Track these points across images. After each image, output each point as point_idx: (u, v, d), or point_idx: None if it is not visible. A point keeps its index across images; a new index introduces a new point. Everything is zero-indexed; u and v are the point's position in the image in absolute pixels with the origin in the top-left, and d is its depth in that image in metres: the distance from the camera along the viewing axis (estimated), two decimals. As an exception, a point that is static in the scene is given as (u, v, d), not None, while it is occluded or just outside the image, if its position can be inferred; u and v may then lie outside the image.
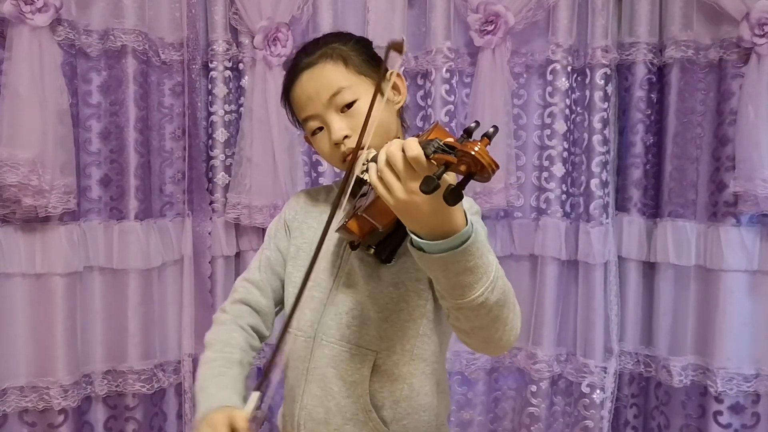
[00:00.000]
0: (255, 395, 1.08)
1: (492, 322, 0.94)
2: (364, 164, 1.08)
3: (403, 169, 0.83)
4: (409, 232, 0.90)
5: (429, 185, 0.78)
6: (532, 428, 2.12)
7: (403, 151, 0.83)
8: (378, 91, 1.10)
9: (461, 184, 0.77)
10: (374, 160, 1.05)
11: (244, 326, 1.25)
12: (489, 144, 0.78)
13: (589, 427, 2.07)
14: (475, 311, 0.91)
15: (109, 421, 1.97)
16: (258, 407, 1.08)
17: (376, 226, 1.00)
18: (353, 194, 1.11)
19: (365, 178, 1.06)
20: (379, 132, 1.12)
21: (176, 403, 2.07)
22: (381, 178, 0.86)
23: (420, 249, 0.88)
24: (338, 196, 1.07)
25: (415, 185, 0.82)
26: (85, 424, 1.94)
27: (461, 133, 0.84)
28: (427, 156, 0.82)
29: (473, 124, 0.86)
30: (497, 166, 0.77)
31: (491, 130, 0.81)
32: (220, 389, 1.14)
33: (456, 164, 0.78)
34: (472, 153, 0.76)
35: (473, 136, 0.83)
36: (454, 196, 0.77)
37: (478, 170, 0.77)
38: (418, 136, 1.04)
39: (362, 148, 1.09)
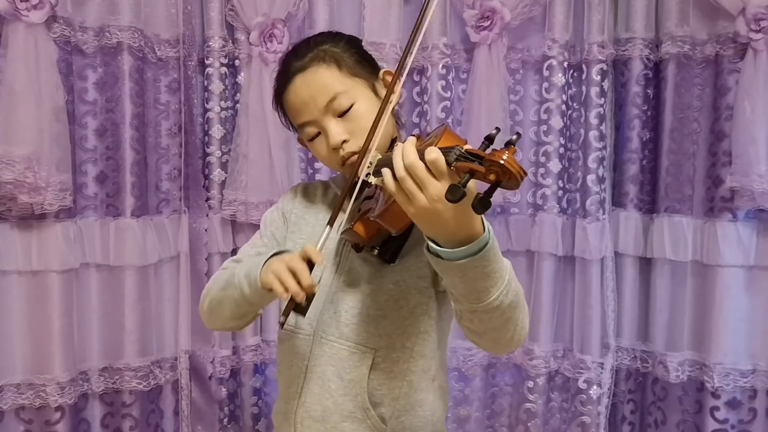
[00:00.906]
0: (327, 229, 1.04)
1: (505, 323, 0.95)
2: (368, 167, 1.07)
3: (424, 175, 0.83)
4: (426, 238, 0.90)
5: (455, 194, 0.77)
6: (528, 424, 2.12)
7: (422, 156, 0.83)
8: (385, 103, 1.08)
9: (489, 193, 0.77)
10: (379, 164, 1.05)
11: None
12: (515, 152, 0.77)
13: (586, 423, 2.07)
14: (490, 314, 0.92)
15: (105, 418, 1.97)
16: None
17: (389, 231, 1.00)
18: (356, 197, 1.10)
19: (371, 181, 1.05)
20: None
21: (173, 400, 2.07)
22: (401, 187, 0.86)
23: (437, 255, 0.88)
24: (341, 201, 1.07)
25: (437, 192, 0.82)
26: (81, 421, 1.94)
27: (482, 140, 0.83)
28: (449, 164, 0.81)
29: (495, 131, 0.85)
30: (525, 174, 0.77)
31: (515, 137, 0.80)
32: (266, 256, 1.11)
33: (484, 173, 0.78)
34: (501, 162, 0.75)
35: (494, 143, 0.82)
36: (483, 204, 0.77)
37: (507, 179, 0.76)
38: (419, 137, 1.04)
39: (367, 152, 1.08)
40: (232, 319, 1.18)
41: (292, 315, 1.12)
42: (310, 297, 0.97)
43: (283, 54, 1.93)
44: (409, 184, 0.85)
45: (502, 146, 0.78)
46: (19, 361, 1.84)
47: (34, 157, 1.73)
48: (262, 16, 1.95)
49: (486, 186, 0.79)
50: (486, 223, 0.88)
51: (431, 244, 0.89)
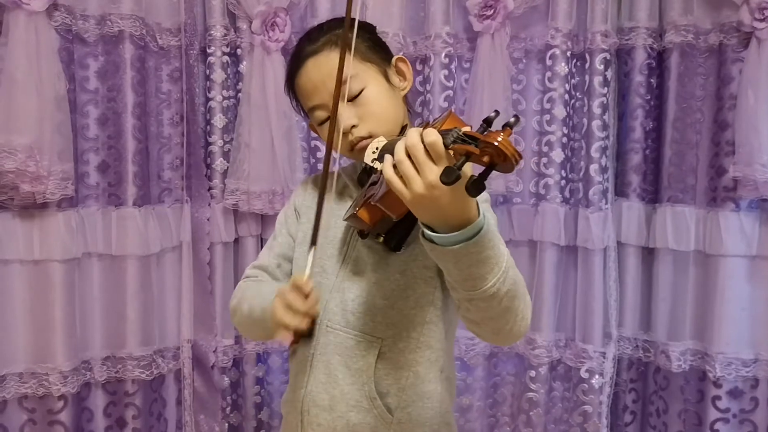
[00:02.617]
0: (311, 255, 1.10)
1: (503, 313, 0.94)
2: (374, 152, 1.07)
3: (423, 158, 0.82)
4: (420, 224, 0.89)
5: (450, 176, 0.76)
6: (531, 413, 2.13)
7: (422, 139, 0.82)
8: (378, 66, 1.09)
9: (483, 175, 0.76)
10: (384, 148, 1.05)
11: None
12: (511, 134, 0.77)
13: (588, 412, 2.07)
14: (487, 302, 0.91)
15: (108, 407, 1.98)
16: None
17: (390, 216, 0.99)
18: (362, 183, 1.09)
19: (375, 166, 1.05)
20: (387, 118, 1.12)
21: (175, 389, 2.07)
22: (398, 172, 0.85)
23: (431, 241, 0.88)
24: (323, 177, 1.08)
25: (434, 178, 0.81)
26: (84, 410, 1.95)
27: (480, 122, 0.82)
28: (446, 146, 0.80)
29: (493, 114, 0.85)
30: (521, 157, 0.76)
31: (512, 119, 0.79)
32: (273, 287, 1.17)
33: (478, 155, 0.77)
34: (495, 144, 0.74)
35: (493, 126, 0.82)
36: (476, 187, 0.76)
37: (501, 161, 0.76)
38: (428, 124, 1.04)
39: (354, 129, 1.09)
40: (270, 337, 1.22)
41: None
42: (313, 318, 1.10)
43: (285, 41, 1.94)
44: (407, 167, 0.83)
45: (500, 128, 0.77)
46: (21, 351, 1.84)
47: (36, 146, 1.72)
48: (264, 5, 1.94)
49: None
50: (482, 210, 0.87)
51: (425, 230, 0.88)
